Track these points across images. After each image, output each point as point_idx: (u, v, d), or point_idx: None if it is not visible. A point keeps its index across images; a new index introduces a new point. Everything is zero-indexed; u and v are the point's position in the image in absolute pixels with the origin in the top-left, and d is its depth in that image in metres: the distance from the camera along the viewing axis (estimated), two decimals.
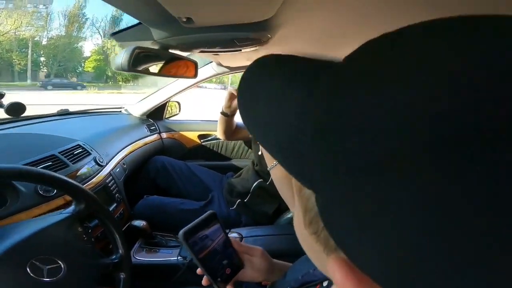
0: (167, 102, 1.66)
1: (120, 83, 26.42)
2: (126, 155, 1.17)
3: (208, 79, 1.60)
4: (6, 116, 0.95)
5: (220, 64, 1.46)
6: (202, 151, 1.70)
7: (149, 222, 0.90)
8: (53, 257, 0.44)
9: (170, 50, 0.73)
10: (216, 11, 0.45)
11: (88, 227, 0.58)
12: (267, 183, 1.14)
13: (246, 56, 1.17)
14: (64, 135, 0.97)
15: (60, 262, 0.44)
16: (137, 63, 0.61)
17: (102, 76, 27.85)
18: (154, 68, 0.72)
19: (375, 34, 0.13)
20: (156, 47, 0.68)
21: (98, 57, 27.67)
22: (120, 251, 0.56)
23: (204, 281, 0.48)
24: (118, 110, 1.66)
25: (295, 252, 0.88)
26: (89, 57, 28.04)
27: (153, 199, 1.15)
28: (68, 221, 0.50)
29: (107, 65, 27.03)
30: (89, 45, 28.89)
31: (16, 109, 0.92)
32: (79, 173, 0.81)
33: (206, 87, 20.68)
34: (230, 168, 1.64)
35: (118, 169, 1.04)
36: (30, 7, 26.16)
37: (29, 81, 23.35)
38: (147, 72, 0.67)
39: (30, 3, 26.12)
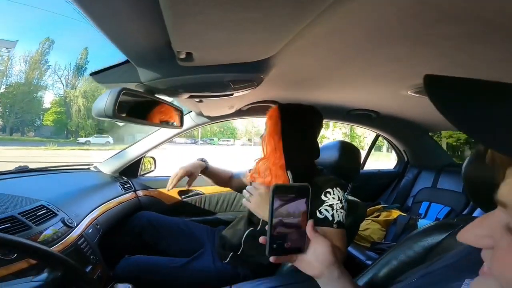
0: (141, 158, 1.60)
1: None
2: (98, 215, 1.08)
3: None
4: None
5: (200, 114, 1.48)
6: (184, 207, 1.61)
7: (134, 284, 0.78)
8: None
9: (156, 95, 0.71)
10: (221, 47, 0.46)
11: None
12: (258, 229, 1.06)
13: (229, 104, 1.20)
14: (24, 195, 0.87)
15: None
16: (122, 108, 0.58)
17: (63, 131, 26.35)
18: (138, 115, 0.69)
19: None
20: (141, 90, 0.66)
21: (58, 109, 25.95)
22: None
23: (262, 239, 0.50)
24: (86, 167, 1.55)
25: None
26: (49, 108, 26.17)
27: (136, 259, 1.05)
28: None
29: (68, 118, 25.74)
30: (50, 96, 27.17)
31: None
32: (42, 235, 0.73)
33: (175, 142, 20.57)
34: (217, 222, 1.54)
35: (90, 230, 0.96)
36: None
37: None
38: (130, 120, 0.63)
39: None
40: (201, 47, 0.45)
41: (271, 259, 0.49)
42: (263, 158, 0.99)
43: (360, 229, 1.85)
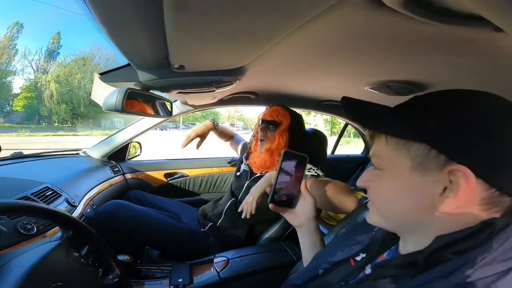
0: (128, 143, 1.70)
1: (56, 124, 24.23)
2: (94, 196, 1.19)
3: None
4: None
5: (185, 103, 1.59)
6: (170, 189, 1.74)
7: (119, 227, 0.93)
8: (66, 283, 0.47)
9: (150, 91, 0.85)
10: (205, 61, 0.60)
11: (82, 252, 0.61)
12: (239, 199, 1.26)
13: (212, 95, 1.34)
14: (29, 178, 0.97)
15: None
16: (127, 103, 0.71)
17: (34, 117, 25.04)
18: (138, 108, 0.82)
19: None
20: (138, 88, 0.80)
21: (29, 95, 24.55)
22: (116, 271, 0.60)
23: (268, 188, 0.63)
24: (76, 152, 1.64)
25: (280, 265, 0.98)
26: (19, 94, 24.83)
27: (122, 203, 1.16)
28: (63, 247, 0.55)
29: (40, 103, 24.46)
30: (19, 81, 25.78)
31: None
32: None
33: (158, 128, 20.21)
34: (201, 202, 1.70)
35: (88, 210, 1.07)
36: None
37: None
38: (133, 113, 0.77)
39: None
40: (191, 61, 0.59)
41: (270, 205, 0.66)
42: (268, 147, 1.25)
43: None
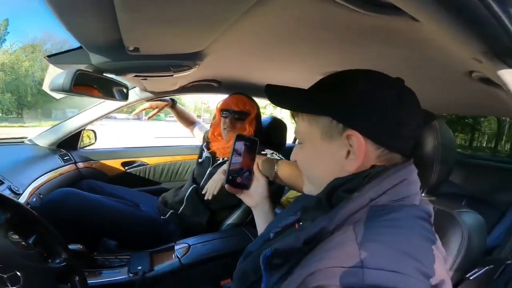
0: (81, 130, 1.60)
1: (0, 115, 21.65)
2: (40, 185, 1.11)
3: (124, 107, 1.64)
4: None
5: (144, 90, 1.53)
6: (128, 178, 1.68)
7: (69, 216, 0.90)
8: (6, 266, 0.45)
9: (104, 74, 0.81)
10: (160, 43, 0.59)
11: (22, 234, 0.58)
12: (200, 186, 1.26)
13: (173, 81, 1.31)
14: None
15: (15, 270, 0.46)
16: (76, 85, 0.68)
17: None
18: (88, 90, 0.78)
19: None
20: (90, 70, 0.76)
21: None
22: (63, 255, 0.58)
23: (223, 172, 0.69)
24: (20, 141, 1.50)
25: (241, 249, 1.00)
26: None
27: (71, 190, 1.11)
28: (0, 229, 0.51)
29: None
30: None
31: None
32: None
33: (116, 118, 18.98)
34: (162, 191, 1.66)
35: (34, 199, 1.01)
36: None
37: None
38: (82, 94, 0.73)
39: None
40: (146, 43, 0.58)
41: (226, 186, 0.69)
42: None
43: (289, 196, 2.18)
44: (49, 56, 0.68)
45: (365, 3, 0.50)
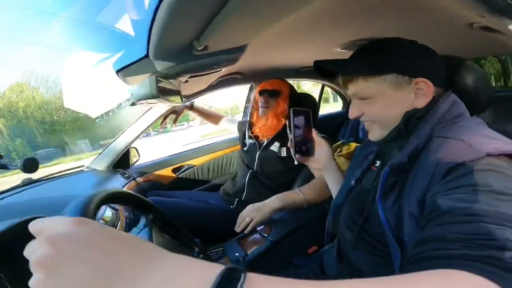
0: (128, 148, 1.71)
1: (18, 160, 22.31)
2: None
3: None
4: None
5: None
6: (180, 183, 1.78)
7: None
8: None
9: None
10: (227, 38, 0.67)
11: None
12: (255, 170, 1.37)
13: (206, 80, 1.39)
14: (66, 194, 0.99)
15: None
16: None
17: None
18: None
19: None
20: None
21: None
22: (196, 249, 0.68)
23: (290, 143, 0.77)
24: (79, 170, 1.63)
25: (317, 215, 1.06)
26: None
27: (158, 199, 1.24)
28: (156, 231, 0.62)
29: None
30: None
31: (31, 166, 0.92)
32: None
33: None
34: (214, 187, 1.77)
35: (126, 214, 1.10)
36: None
37: None
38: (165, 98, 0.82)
39: None
40: (216, 40, 0.65)
41: (297, 157, 0.76)
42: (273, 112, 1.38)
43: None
44: (118, 71, 0.76)
45: None
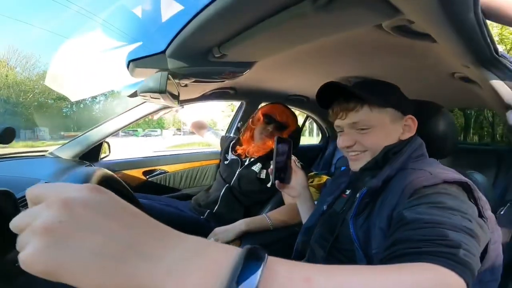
0: (101, 142, 1.61)
1: None
2: None
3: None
4: None
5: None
6: (149, 187, 1.69)
7: None
8: None
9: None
10: (248, 51, 0.69)
11: None
12: (232, 185, 1.36)
13: (203, 88, 1.39)
14: (21, 176, 0.90)
15: None
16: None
17: None
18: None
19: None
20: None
21: None
22: None
23: (270, 169, 0.80)
24: (41, 154, 1.49)
25: (285, 235, 1.07)
26: None
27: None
28: None
29: None
30: None
31: (9, 135, 0.81)
32: None
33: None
34: (184, 197, 1.70)
35: None
36: None
37: None
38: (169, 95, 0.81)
39: None
40: (236, 52, 0.68)
41: (277, 183, 0.79)
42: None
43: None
44: (132, 60, 0.74)
45: (402, 30, 0.65)
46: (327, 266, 0.28)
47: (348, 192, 0.75)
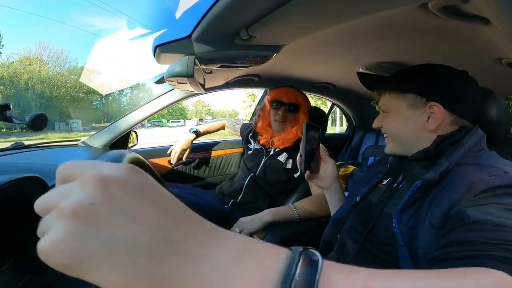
0: (130, 131, 1.64)
1: (4, 130, 21.74)
2: None
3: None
4: None
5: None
6: (175, 175, 1.71)
7: None
8: None
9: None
10: (278, 32, 0.64)
11: None
12: (257, 174, 1.32)
13: (227, 75, 1.35)
14: (54, 163, 0.92)
15: None
16: None
17: None
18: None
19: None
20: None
21: None
22: None
23: (299, 158, 0.76)
24: (74, 143, 1.55)
25: (312, 227, 1.04)
26: None
27: None
28: None
29: None
30: None
31: (39, 122, 0.85)
32: None
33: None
34: (208, 186, 1.70)
35: None
36: None
37: None
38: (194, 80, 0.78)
39: None
40: (264, 34, 0.63)
41: (307, 174, 0.74)
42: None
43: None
44: (158, 45, 0.72)
45: (450, 12, 0.58)
46: (384, 271, 0.24)
47: (385, 182, 0.71)
